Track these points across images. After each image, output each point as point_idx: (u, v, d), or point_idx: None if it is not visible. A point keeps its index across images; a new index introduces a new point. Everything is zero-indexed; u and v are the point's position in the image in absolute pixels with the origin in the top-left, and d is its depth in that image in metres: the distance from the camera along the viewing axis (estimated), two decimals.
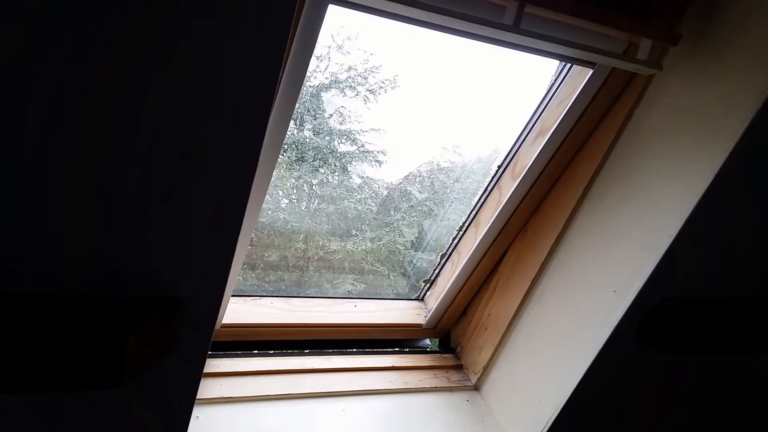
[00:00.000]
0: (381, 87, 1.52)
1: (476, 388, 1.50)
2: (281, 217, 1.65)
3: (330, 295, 1.60)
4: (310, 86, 1.52)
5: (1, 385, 0.69)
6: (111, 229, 0.70)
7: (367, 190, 1.74)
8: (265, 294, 1.46)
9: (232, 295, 1.36)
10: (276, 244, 1.66)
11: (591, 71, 1.12)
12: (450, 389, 1.48)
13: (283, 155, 1.54)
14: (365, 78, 1.51)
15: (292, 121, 1.01)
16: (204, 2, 0.58)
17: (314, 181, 1.65)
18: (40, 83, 0.58)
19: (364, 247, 1.75)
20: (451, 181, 1.75)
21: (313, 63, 0.95)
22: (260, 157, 0.72)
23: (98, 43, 0.57)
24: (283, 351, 1.44)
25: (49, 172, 0.63)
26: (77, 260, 0.71)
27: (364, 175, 1.70)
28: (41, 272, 0.71)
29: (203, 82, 0.63)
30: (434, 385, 1.47)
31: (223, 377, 1.29)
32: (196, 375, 0.91)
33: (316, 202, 1.71)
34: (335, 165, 1.64)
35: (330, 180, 1.68)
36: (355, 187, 1.71)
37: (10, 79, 0.56)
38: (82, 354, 0.71)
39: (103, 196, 0.67)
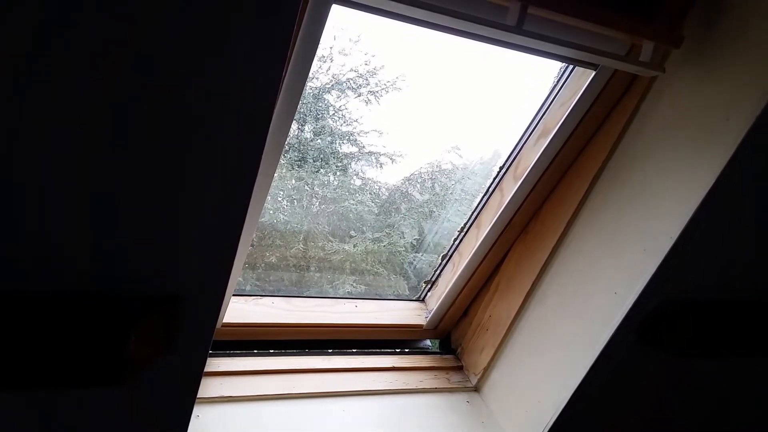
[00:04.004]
0: (383, 88, 1.52)
1: (476, 389, 1.50)
2: (282, 217, 1.66)
3: (331, 296, 1.60)
4: (312, 87, 1.52)
5: (2, 383, 0.69)
6: (113, 229, 0.70)
7: (367, 191, 1.74)
8: (266, 294, 1.46)
9: (233, 295, 1.36)
10: (277, 244, 1.66)
11: (593, 73, 1.13)
12: (450, 390, 1.48)
13: (284, 156, 1.54)
14: (367, 79, 1.52)
15: (293, 122, 1.01)
16: (207, 2, 0.59)
17: (315, 182, 1.65)
18: (42, 82, 0.58)
19: (364, 248, 1.75)
20: (453, 183, 1.75)
21: (315, 64, 0.95)
22: (262, 158, 0.72)
23: (101, 43, 0.58)
24: (284, 351, 1.44)
25: (50, 172, 0.63)
26: (79, 259, 0.71)
27: (365, 177, 1.70)
28: (43, 271, 0.71)
29: (205, 82, 0.63)
30: (434, 386, 1.47)
31: (224, 376, 1.29)
32: (197, 374, 0.91)
33: (317, 203, 1.71)
34: (336, 166, 1.64)
35: (331, 181, 1.68)
36: (356, 188, 1.72)
37: (12, 78, 0.57)
38: (83, 352, 0.71)
39: (105, 196, 0.67)
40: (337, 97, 1.55)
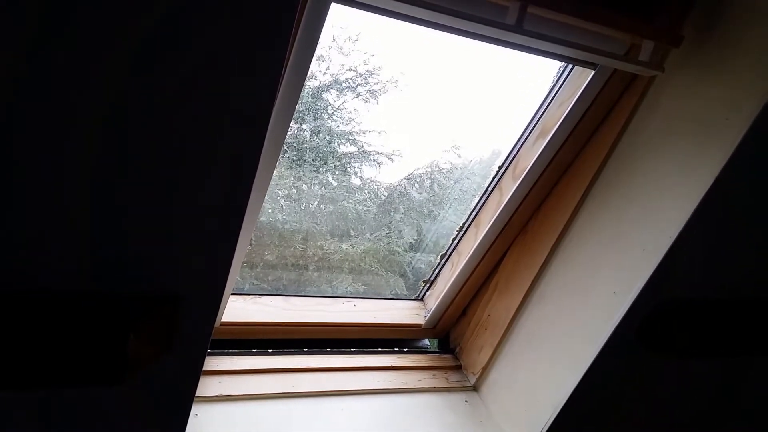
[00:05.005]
0: (381, 88, 1.52)
1: (475, 388, 1.50)
2: (281, 217, 1.65)
3: (329, 295, 1.60)
4: (310, 87, 1.52)
5: (3, 382, 0.69)
6: (113, 229, 0.70)
7: (366, 190, 1.74)
8: (264, 293, 1.46)
9: (232, 294, 1.36)
10: (275, 243, 1.66)
11: (592, 72, 1.13)
12: (449, 389, 1.48)
13: (283, 155, 1.53)
14: (366, 79, 1.52)
15: (292, 122, 1.01)
16: (206, 1, 0.58)
17: (314, 182, 1.65)
18: (42, 81, 0.58)
19: (363, 247, 1.75)
20: (451, 183, 1.75)
21: (313, 63, 0.95)
22: (261, 157, 0.72)
23: (100, 42, 0.57)
24: (283, 350, 1.44)
25: (50, 171, 0.63)
26: (79, 259, 0.71)
27: (363, 176, 1.70)
28: (43, 271, 0.71)
29: (205, 81, 0.63)
30: (433, 386, 1.47)
31: (222, 375, 1.28)
32: (196, 373, 0.91)
33: (316, 202, 1.71)
34: (335, 166, 1.64)
35: (329, 181, 1.68)
36: (355, 187, 1.71)
37: (12, 77, 0.56)
38: (83, 351, 0.71)
39: (105, 196, 0.67)
40: (336, 97, 1.55)
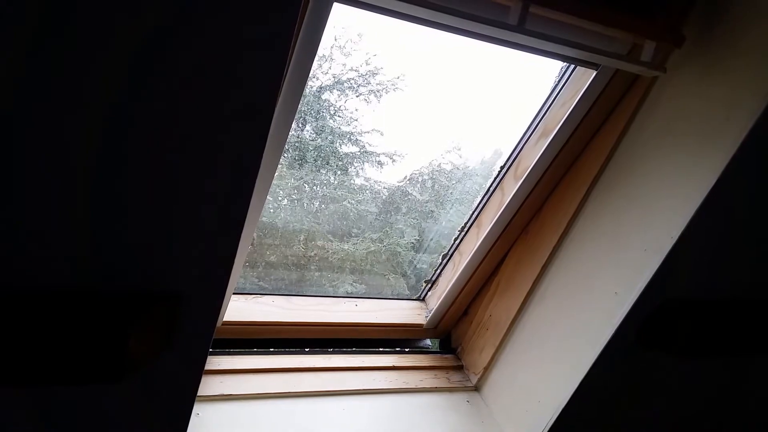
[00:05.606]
0: (383, 88, 1.52)
1: (476, 388, 1.50)
2: (282, 217, 1.66)
3: (331, 295, 1.60)
4: (312, 87, 1.52)
5: (2, 378, 0.69)
6: (114, 227, 0.70)
7: (368, 190, 1.74)
8: (266, 292, 1.46)
9: (234, 293, 1.36)
10: (277, 243, 1.66)
11: (594, 72, 1.13)
12: (450, 390, 1.48)
13: (285, 155, 1.54)
14: (367, 79, 1.52)
15: (294, 122, 1.01)
16: (207, 2, 0.58)
17: (315, 182, 1.65)
18: (42, 80, 0.58)
19: (364, 248, 1.76)
20: (453, 183, 1.75)
21: (315, 63, 0.95)
22: (263, 157, 0.72)
23: (101, 42, 0.57)
24: (284, 349, 1.44)
25: (50, 170, 0.63)
26: (80, 257, 0.71)
27: (365, 176, 1.70)
28: (43, 269, 0.71)
29: (206, 82, 0.63)
30: (434, 386, 1.47)
31: (224, 374, 1.29)
32: (197, 372, 0.91)
33: (317, 202, 1.71)
34: (337, 166, 1.64)
35: (331, 180, 1.68)
36: (356, 188, 1.72)
37: (12, 75, 0.57)
38: (83, 348, 0.71)
39: (106, 194, 0.67)
40: (338, 97, 1.55)
